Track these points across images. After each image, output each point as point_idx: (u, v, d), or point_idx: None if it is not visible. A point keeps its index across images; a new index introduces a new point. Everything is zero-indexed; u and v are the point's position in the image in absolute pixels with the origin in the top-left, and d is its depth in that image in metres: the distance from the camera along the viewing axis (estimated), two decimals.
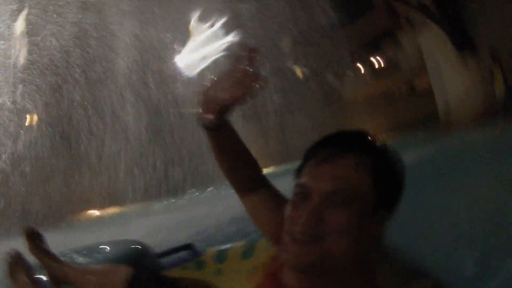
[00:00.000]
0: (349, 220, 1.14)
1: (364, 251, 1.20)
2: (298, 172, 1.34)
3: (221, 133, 1.57)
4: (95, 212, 16.78)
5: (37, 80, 16.67)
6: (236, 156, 1.66)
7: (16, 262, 2.38)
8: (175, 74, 18.99)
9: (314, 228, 1.14)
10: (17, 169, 15.65)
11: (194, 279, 2.09)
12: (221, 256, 1.97)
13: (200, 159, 16.50)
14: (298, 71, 23.39)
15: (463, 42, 16.71)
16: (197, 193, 16.28)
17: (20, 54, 17.04)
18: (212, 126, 1.53)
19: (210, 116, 1.48)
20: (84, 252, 4.72)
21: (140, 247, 4.40)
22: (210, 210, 11.29)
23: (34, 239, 2.46)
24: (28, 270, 2.35)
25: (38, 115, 17.35)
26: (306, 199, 1.20)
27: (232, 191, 1.78)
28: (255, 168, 1.75)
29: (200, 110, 1.52)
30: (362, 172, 1.20)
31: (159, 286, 1.97)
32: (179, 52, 18.32)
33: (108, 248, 4.54)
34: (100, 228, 12.04)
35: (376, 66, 24.30)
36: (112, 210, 16.17)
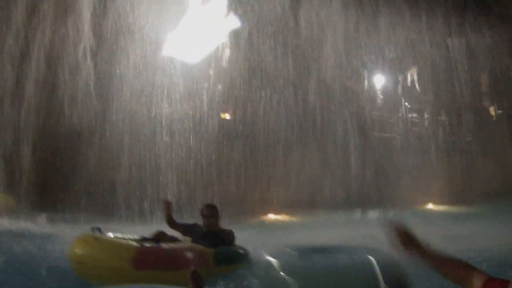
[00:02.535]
0: None
1: None
2: None
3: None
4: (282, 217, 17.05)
5: (237, 81, 17.34)
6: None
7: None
8: None
9: None
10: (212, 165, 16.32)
11: None
12: None
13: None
14: (492, 111, 22.37)
15: None
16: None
17: (223, 54, 17.98)
18: None
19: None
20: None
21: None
22: None
23: None
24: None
25: (231, 115, 17.93)
26: None
27: None
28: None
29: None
30: None
31: None
32: None
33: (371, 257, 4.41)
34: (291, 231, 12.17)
35: None
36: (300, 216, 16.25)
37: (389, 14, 17.58)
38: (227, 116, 17.90)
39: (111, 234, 6.13)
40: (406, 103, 20.70)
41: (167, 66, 16.70)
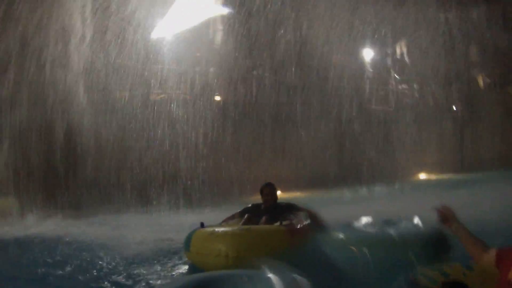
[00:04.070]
0: None
1: None
2: None
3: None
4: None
5: (229, 63, 17.48)
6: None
7: None
8: None
9: None
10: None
11: None
12: None
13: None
14: (481, 80, 22.73)
15: None
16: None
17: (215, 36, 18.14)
18: None
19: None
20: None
21: None
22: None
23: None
24: None
25: (226, 98, 18.04)
26: None
27: None
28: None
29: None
30: None
31: None
32: None
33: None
34: None
35: None
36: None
37: None
38: (220, 97, 18.00)
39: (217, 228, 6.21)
40: (396, 75, 21.03)
41: (158, 51, 16.75)
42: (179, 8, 17.02)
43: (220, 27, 17.90)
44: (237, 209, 7.09)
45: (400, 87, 21.16)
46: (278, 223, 6.17)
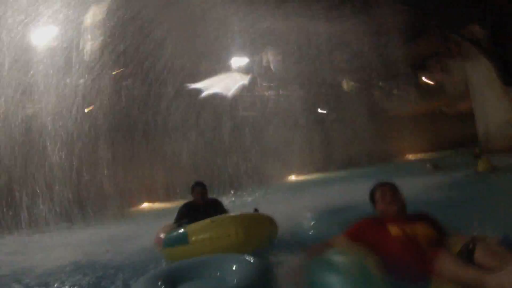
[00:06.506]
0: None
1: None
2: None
3: None
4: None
5: (101, 72, 17.56)
6: None
7: None
8: None
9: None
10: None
11: None
12: None
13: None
14: (346, 85, 23.98)
15: (509, 76, 17.18)
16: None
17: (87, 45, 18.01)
18: None
19: None
20: None
21: None
22: None
23: None
24: None
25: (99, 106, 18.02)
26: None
27: None
28: None
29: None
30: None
31: None
32: None
33: None
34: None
35: (423, 86, 24.67)
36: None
37: None
38: (92, 108, 17.94)
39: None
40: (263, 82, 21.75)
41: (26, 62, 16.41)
42: (50, 14, 16.78)
43: (90, 35, 17.80)
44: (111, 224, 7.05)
45: (267, 92, 21.97)
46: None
